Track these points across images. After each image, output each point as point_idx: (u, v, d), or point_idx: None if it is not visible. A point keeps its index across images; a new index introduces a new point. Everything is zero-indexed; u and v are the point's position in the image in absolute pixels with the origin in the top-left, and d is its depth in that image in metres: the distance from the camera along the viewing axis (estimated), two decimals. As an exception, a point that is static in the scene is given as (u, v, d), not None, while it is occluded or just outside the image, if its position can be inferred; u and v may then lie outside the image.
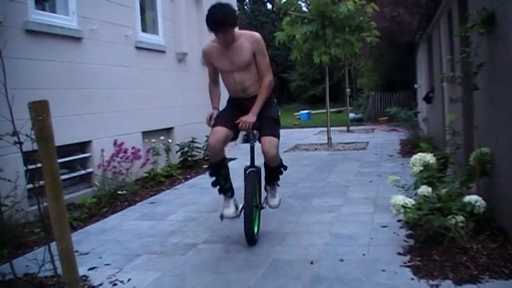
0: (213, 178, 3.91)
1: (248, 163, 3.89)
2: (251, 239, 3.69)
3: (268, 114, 3.83)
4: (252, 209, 3.67)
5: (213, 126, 3.77)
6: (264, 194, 4.12)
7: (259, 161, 3.94)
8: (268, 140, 3.70)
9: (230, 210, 3.88)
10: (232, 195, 3.95)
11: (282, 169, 4.05)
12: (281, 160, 3.97)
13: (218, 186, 3.93)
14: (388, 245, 3.53)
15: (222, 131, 3.70)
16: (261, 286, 2.96)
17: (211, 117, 3.85)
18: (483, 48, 3.79)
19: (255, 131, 3.84)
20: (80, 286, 2.43)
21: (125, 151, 6.00)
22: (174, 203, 5.52)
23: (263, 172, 4.02)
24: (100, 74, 6.23)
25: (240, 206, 3.84)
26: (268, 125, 3.77)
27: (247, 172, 3.83)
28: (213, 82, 4.03)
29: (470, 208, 3.36)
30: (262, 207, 4.09)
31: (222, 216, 3.91)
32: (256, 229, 3.83)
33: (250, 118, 3.71)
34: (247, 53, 3.72)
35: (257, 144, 3.87)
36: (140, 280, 3.16)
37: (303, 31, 9.46)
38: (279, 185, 4.18)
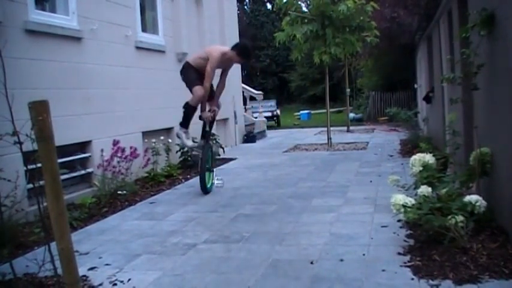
0: (185, 119, 5.94)
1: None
2: (205, 189, 5.82)
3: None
4: (204, 171, 5.84)
5: (195, 85, 5.73)
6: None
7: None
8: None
9: (190, 141, 6.09)
10: (187, 128, 6.03)
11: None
12: None
13: (186, 123, 5.96)
14: (388, 245, 3.53)
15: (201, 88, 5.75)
16: (261, 286, 2.96)
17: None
18: (483, 48, 3.79)
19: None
20: (80, 286, 2.42)
21: (122, 150, 6.00)
22: (174, 203, 5.52)
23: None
24: (100, 74, 6.23)
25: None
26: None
27: (204, 145, 6.01)
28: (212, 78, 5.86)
29: (470, 208, 3.35)
30: (212, 170, 6.25)
31: (184, 145, 6.27)
32: (209, 185, 5.98)
33: (215, 106, 6.09)
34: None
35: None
36: (140, 280, 3.16)
37: (303, 31, 9.46)
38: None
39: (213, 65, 5.68)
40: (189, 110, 5.88)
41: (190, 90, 5.83)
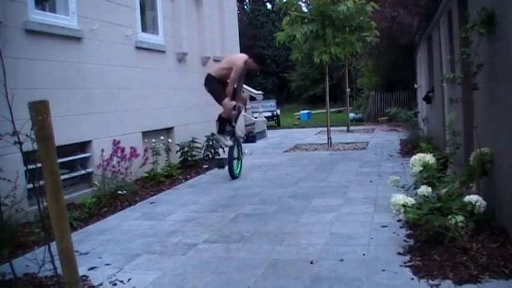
0: (221, 127, 6.70)
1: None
2: (233, 175, 6.78)
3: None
4: (232, 160, 6.76)
5: (224, 98, 6.40)
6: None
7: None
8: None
9: (230, 142, 6.71)
10: (224, 133, 6.72)
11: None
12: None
13: (222, 130, 6.69)
14: (388, 245, 3.53)
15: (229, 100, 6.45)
16: (261, 286, 2.96)
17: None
18: (483, 48, 3.79)
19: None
20: (80, 286, 2.43)
21: (122, 150, 6.01)
22: (174, 203, 5.52)
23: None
24: (100, 74, 6.23)
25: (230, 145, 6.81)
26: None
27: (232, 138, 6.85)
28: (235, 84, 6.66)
29: (470, 208, 3.36)
30: (240, 159, 7.22)
31: (225, 145, 6.88)
32: (238, 171, 7.01)
33: (240, 103, 6.76)
34: None
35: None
36: (140, 280, 3.16)
37: (303, 31, 9.46)
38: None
39: (238, 72, 6.38)
40: (222, 121, 6.71)
41: (219, 103, 6.49)
